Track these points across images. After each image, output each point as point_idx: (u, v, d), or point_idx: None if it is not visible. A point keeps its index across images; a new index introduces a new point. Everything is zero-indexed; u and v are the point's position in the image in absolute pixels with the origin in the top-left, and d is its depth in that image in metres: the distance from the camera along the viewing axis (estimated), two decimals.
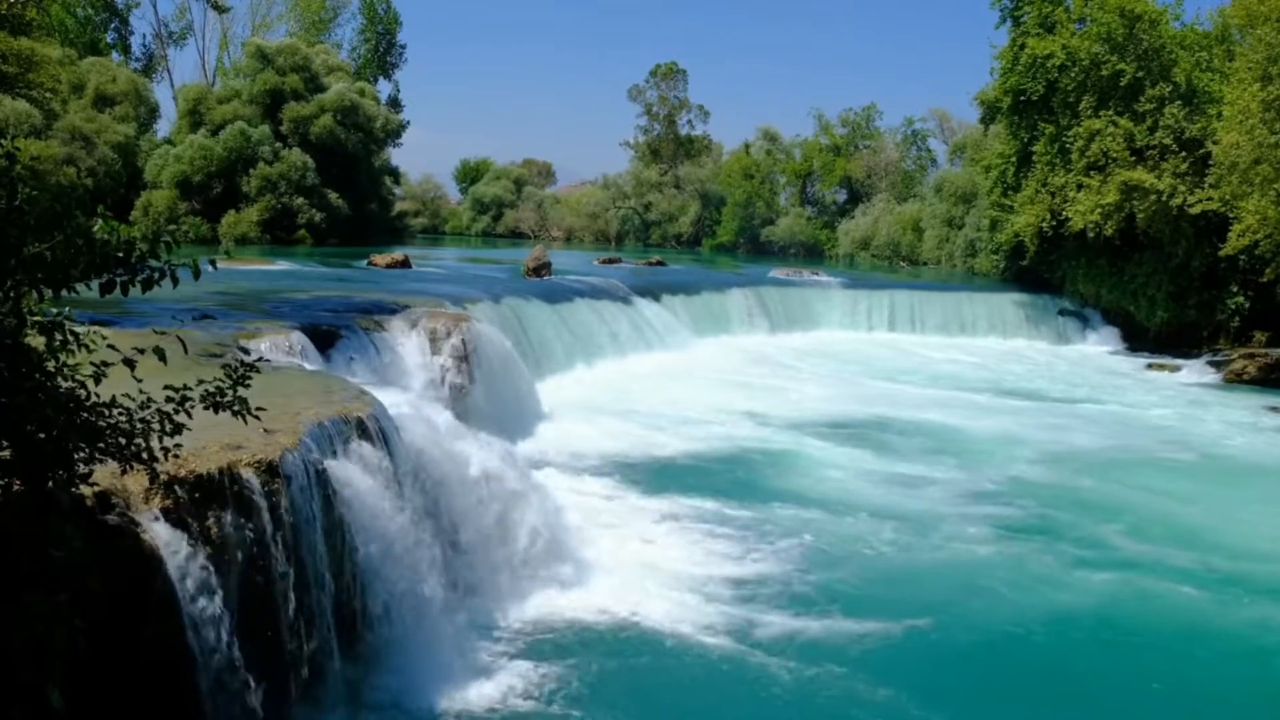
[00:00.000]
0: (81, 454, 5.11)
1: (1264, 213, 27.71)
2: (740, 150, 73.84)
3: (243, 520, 7.42)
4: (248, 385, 5.75)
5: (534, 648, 9.87)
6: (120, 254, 4.94)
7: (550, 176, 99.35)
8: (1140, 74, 33.86)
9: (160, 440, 5.48)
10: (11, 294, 4.84)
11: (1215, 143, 30.40)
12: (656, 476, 16.01)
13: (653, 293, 31.22)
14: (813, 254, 66.10)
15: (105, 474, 6.08)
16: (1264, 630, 11.28)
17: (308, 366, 13.54)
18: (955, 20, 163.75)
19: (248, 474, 7.57)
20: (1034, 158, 36.77)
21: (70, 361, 5.06)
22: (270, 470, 7.77)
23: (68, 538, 5.03)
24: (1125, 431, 21.70)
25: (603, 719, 8.76)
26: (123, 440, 5.25)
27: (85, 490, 5.52)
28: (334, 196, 51.11)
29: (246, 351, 12.58)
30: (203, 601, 6.86)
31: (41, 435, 4.90)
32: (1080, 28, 35.45)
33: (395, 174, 62.96)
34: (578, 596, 10.97)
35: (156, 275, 5.05)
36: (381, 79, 71.93)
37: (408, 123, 63.60)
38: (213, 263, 5.53)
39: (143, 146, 50.74)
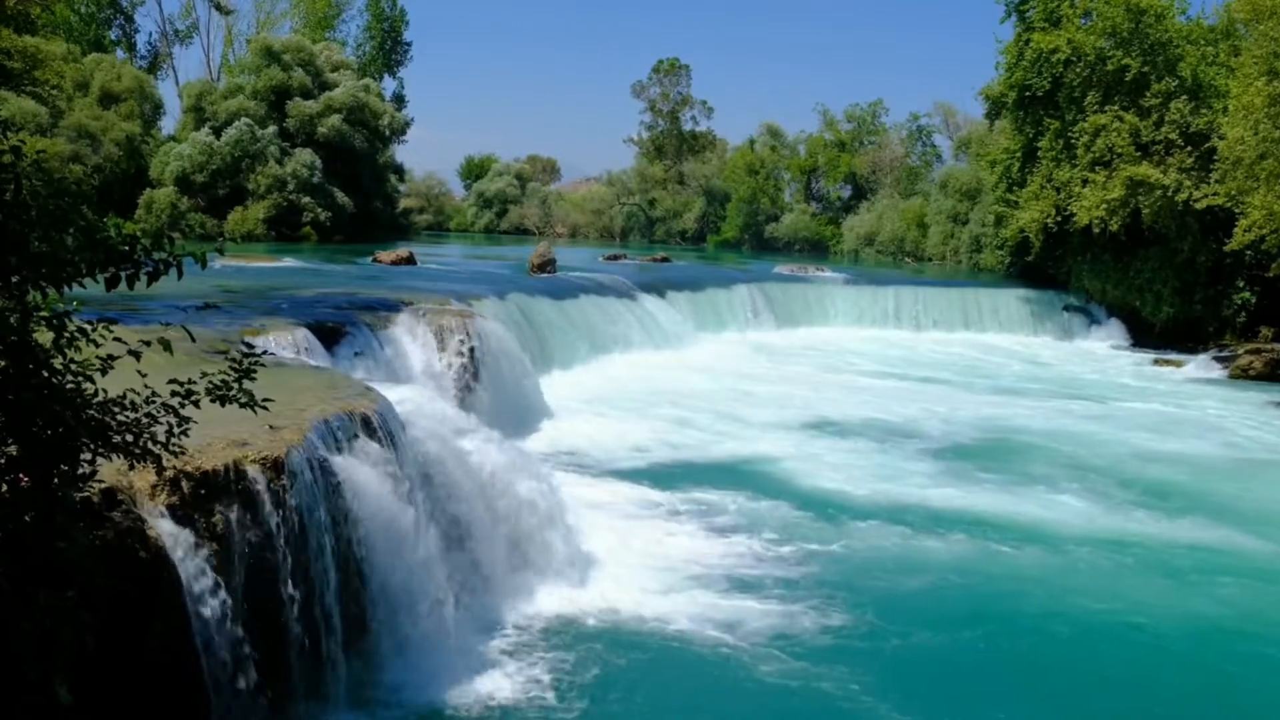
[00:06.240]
0: (88, 451, 5.11)
1: (1270, 208, 27.60)
2: (745, 146, 73.77)
3: (248, 517, 7.44)
4: (253, 378, 5.74)
5: (538, 644, 9.86)
6: (125, 248, 4.94)
7: (555, 173, 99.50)
8: (1146, 69, 33.76)
9: (167, 438, 5.48)
10: (16, 290, 4.84)
11: (1221, 138, 30.31)
12: (661, 473, 15.99)
13: (657, 289, 31.24)
14: (817, 250, 66.07)
15: (111, 470, 6.09)
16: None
17: (313, 363, 13.57)
18: (960, 15, 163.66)
19: (253, 470, 7.58)
20: (1039, 153, 36.68)
21: (77, 358, 5.06)
22: (276, 467, 7.78)
23: (74, 534, 5.04)
24: (1130, 426, 21.64)
25: (606, 716, 8.77)
26: (130, 437, 5.25)
27: (91, 487, 5.52)
28: (339, 194, 51.20)
29: (251, 347, 12.58)
30: (208, 598, 6.88)
31: (48, 432, 4.91)
32: (1086, 22, 35.33)
33: (400, 171, 63.07)
34: (582, 593, 10.97)
35: (161, 267, 5.05)
36: (386, 75, 71.98)
37: (412, 120, 63.76)
38: (220, 250, 5.52)
39: (149, 144, 50.83)
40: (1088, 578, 12.36)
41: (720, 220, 74.19)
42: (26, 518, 4.83)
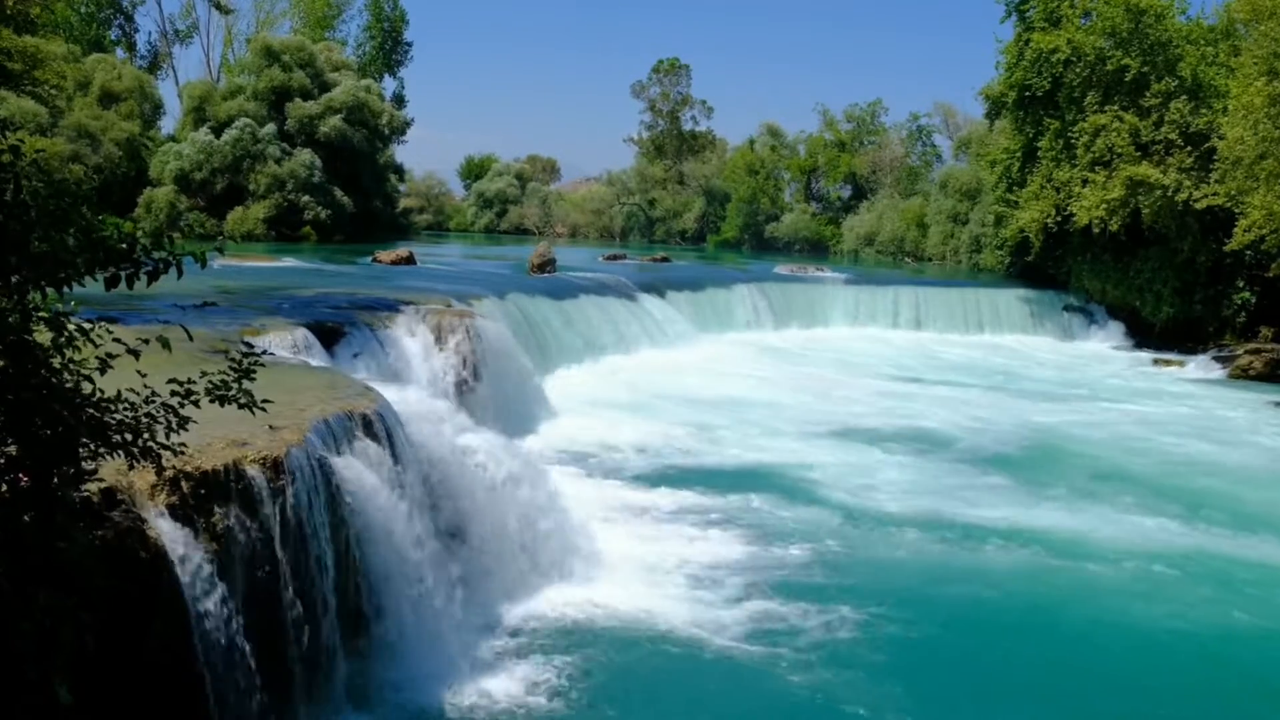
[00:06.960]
0: (88, 450, 5.11)
1: (1269, 208, 27.60)
2: (744, 146, 73.77)
3: (248, 517, 7.43)
4: (253, 378, 5.73)
5: (539, 644, 9.86)
6: (124, 247, 4.94)
7: (554, 173, 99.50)
8: (1145, 69, 33.76)
9: (166, 436, 5.48)
10: (16, 290, 4.84)
11: (1221, 138, 30.31)
12: (663, 473, 15.98)
13: (657, 289, 31.25)
14: (817, 250, 66.07)
15: (111, 470, 6.08)
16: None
17: (313, 363, 13.55)
18: (960, 15, 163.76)
19: (253, 470, 7.57)
20: (1039, 153, 36.69)
21: (76, 358, 5.06)
22: (275, 467, 7.78)
23: (74, 534, 5.03)
24: (1133, 425, 21.64)
25: (607, 717, 8.75)
26: (129, 436, 5.25)
27: (91, 487, 5.52)
28: (340, 194, 51.22)
29: (251, 347, 12.57)
30: (208, 598, 6.87)
31: (48, 431, 4.90)
32: (1086, 22, 35.33)
33: (400, 171, 63.07)
34: (583, 593, 10.96)
35: (161, 266, 5.04)
36: (386, 75, 71.97)
37: (412, 120, 63.79)
38: (220, 249, 5.51)
39: (149, 144, 50.84)
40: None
41: (720, 220, 74.19)
42: (26, 518, 4.83)
